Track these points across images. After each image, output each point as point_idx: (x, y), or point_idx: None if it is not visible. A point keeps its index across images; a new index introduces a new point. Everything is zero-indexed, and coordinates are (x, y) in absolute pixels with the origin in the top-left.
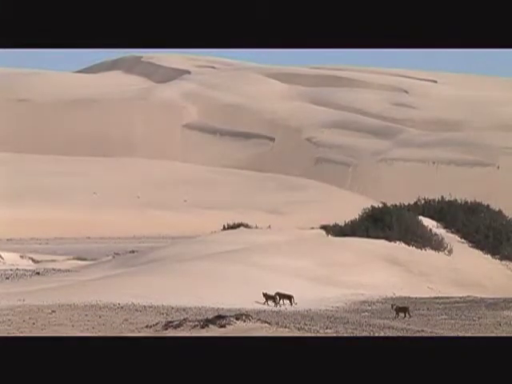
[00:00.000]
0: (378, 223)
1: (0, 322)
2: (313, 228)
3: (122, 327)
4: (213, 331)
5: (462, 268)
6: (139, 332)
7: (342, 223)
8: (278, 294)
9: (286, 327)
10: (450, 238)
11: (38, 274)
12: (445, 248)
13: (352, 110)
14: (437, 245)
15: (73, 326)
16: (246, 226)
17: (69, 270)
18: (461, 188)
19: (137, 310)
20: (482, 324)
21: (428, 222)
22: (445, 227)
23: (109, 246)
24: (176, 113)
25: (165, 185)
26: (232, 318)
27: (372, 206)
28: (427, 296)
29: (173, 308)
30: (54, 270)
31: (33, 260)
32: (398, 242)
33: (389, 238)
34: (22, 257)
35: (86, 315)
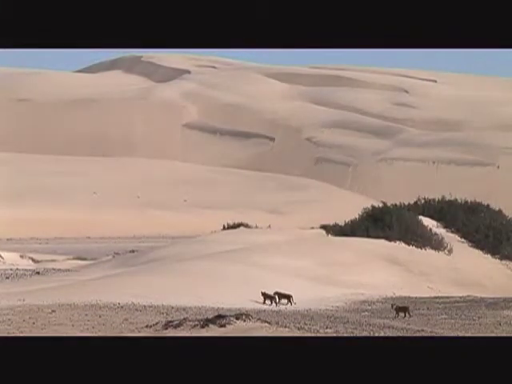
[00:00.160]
0: (378, 223)
1: (0, 321)
2: (313, 228)
3: (122, 327)
4: (213, 331)
5: (462, 268)
6: (139, 332)
7: (342, 223)
8: (276, 293)
9: (285, 327)
10: (450, 238)
11: (38, 273)
12: (445, 248)
13: (352, 109)
14: (437, 244)
15: (73, 325)
16: (246, 225)
17: (69, 270)
18: (461, 188)
19: (137, 310)
20: (481, 324)
21: (428, 222)
22: (445, 227)
23: (109, 246)
24: (176, 112)
25: (165, 185)
26: (232, 318)
27: (372, 206)
28: (427, 296)
29: (173, 308)
30: (53, 269)
31: (33, 260)
32: (397, 242)
33: (389, 238)
34: (21, 257)
35: (86, 315)
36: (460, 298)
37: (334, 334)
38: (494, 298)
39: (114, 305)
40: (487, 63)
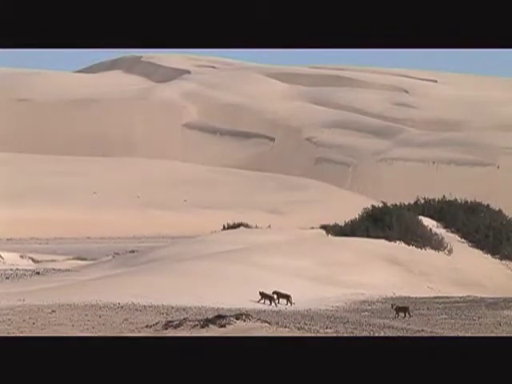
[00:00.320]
0: (378, 223)
1: (0, 321)
2: (313, 228)
3: (122, 327)
4: (213, 331)
5: (462, 268)
6: (139, 332)
7: (342, 223)
8: (275, 293)
9: (285, 327)
10: (450, 238)
11: (38, 273)
12: (445, 248)
13: (352, 109)
14: (437, 244)
15: (73, 325)
16: (246, 225)
17: (69, 270)
18: (461, 188)
19: (137, 310)
20: (481, 324)
21: (428, 222)
22: (445, 227)
23: (109, 246)
24: (176, 112)
25: (165, 185)
26: (232, 318)
27: (372, 206)
28: (427, 296)
29: (173, 308)
30: (54, 269)
31: (33, 260)
32: (397, 242)
33: (389, 238)
34: (22, 257)
35: (86, 315)
36: (460, 298)
37: (334, 334)
38: (493, 298)
39: (113, 305)
40: (487, 63)
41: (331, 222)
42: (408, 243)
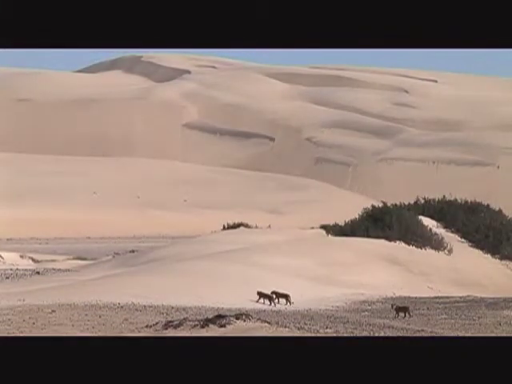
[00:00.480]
0: (378, 223)
1: (0, 321)
2: (313, 228)
3: (122, 327)
4: (213, 331)
5: (461, 268)
6: (139, 332)
7: (342, 223)
8: (274, 292)
9: (285, 327)
10: (450, 238)
11: (38, 273)
12: (445, 248)
13: (352, 109)
14: (437, 244)
15: (73, 325)
16: (246, 225)
17: (69, 270)
18: (461, 188)
19: (137, 310)
20: (481, 323)
21: (428, 222)
22: (445, 227)
23: (109, 246)
24: (176, 112)
25: (165, 185)
26: (232, 318)
27: (372, 206)
28: (427, 296)
29: (173, 308)
30: (53, 269)
31: (33, 260)
32: (397, 242)
33: (389, 238)
34: (21, 257)
35: (86, 315)
36: (460, 298)
37: (334, 334)
38: (494, 298)
39: (114, 305)
40: (487, 63)
41: (331, 222)
42: (408, 243)
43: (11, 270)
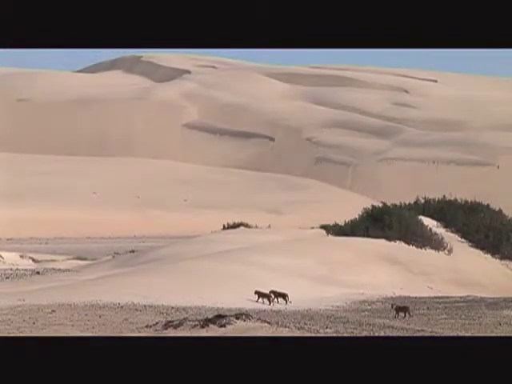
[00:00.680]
0: (378, 223)
1: (0, 321)
2: (313, 228)
3: (122, 327)
4: (213, 331)
5: (461, 267)
6: (139, 332)
7: (342, 223)
8: (272, 292)
9: (285, 327)
10: (450, 238)
11: (38, 273)
12: (445, 247)
13: (352, 109)
14: (437, 244)
15: (73, 325)
16: (246, 225)
17: (69, 270)
18: (461, 187)
19: (137, 310)
20: (481, 323)
21: (428, 222)
22: (445, 227)
23: (109, 246)
24: (176, 112)
25: (165, 185)
26: (232, 318)
27: (372, 206)
28: (427, 295)
29: (173, 307)
30: (53, 269)
31: (33, 260)
32: (398, 242)
33: (389, 238)
34: (22, 256)
35: (86, 315)
36: (460, 298)
37: (334, 334)
38: (494, 298)
39: (114, 305)
40: (487, 63)
41: (331, 222)
42: (408, 243)
43: (11, 269)
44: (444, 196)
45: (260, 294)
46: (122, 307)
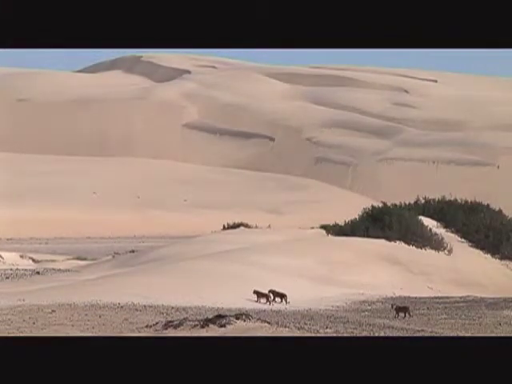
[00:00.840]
0: (378, 223)
1: (0, 321)
2: (313, 228)
3: (122, 327)
4: (213, 331)
5: (461, 268)
6: (139, 332)
7: (342, 223)
8: (271, 291)
9: (285, 327)
10: (450, 238)
11: (38, 273)
12: (445, 248)
13: (352, 109)
14: (437, 244)
15: (73, 325)
16: (246, 225)
17: (69, 270)
18: (461, 187)
19: (137, 310)
20: (481, 323)
21: (428, 222)
22: (445, 227)
23: (109, 246)
24: (176, 112)
25: (165, 185)
26: (232, 318)
27: (372, 206)
28: (427, 296)
29: (173, 307)
30: (53, 269)
31: (33, 260)
32: (397, 242)
33: (389, 238)
34: (22, 256)
35: (86, 315)
36: (460, 298)
37: (334, 334)
38: (494, 298)
39: (114, 305)
40: (487, 63)
41: (331, 222)
42: (408, 243)
43: (11, 269)
44: (444, 196)
45: (259, 294)
46: (121, 307)
